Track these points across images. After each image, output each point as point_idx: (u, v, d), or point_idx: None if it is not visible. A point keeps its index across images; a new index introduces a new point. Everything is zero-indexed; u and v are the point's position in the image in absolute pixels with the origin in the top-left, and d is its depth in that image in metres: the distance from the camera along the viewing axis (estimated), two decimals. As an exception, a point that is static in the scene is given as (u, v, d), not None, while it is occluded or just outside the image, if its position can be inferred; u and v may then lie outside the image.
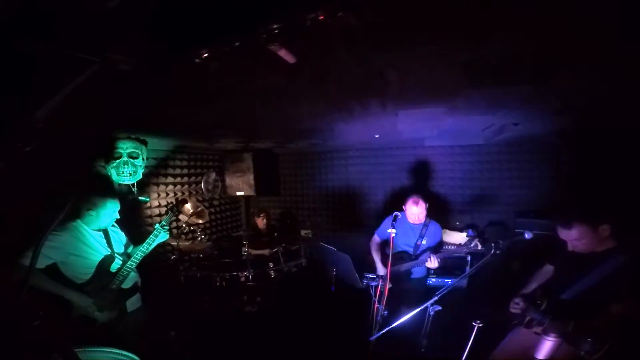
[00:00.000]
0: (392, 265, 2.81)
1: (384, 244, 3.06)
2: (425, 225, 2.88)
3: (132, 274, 2.26)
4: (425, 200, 2.83)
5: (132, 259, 2.23)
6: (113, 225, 2.36)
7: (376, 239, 3.08)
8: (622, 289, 1.66)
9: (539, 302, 1.89)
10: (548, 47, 1.40)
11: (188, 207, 3.71)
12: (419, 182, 4.69)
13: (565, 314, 1.75)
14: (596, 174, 3.41)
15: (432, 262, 2.65)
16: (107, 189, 2.86)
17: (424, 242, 2.87)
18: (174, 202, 2.53)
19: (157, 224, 2.33)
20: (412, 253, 2.90)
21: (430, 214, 2.92)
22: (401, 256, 2.91)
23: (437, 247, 2.93)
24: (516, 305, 2.01)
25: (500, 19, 1.17)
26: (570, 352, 1.71)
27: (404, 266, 2.84)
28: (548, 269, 2.15)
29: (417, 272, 2.92)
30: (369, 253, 3.05)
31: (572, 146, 3.75)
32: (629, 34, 1.24)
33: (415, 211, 2.80)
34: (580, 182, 3.64)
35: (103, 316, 2.09)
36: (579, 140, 3.64)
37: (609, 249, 1.78)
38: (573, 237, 1.82)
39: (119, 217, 2.30)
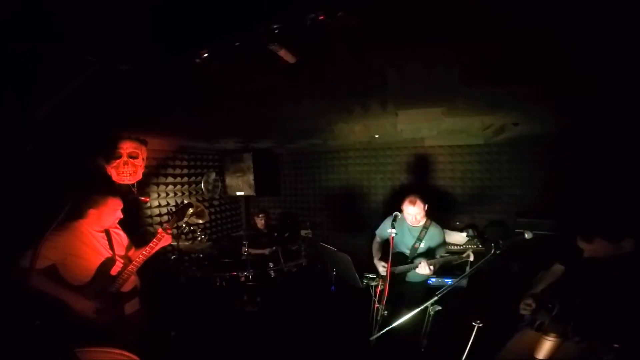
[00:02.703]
0: (395, 265, 2.76)
1: (385, 244, 2.98)
2: (425, 227, 2.75)
3: (132, 277, 2.24)
4: (424, 200, 2.70)
5: (133, 262, 2.19)
6: (115, 227, 2.33)
7: (377, 238, 3.02)
8: (638, 293, 1.62)
9: (550, 305, 1.86)
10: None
11: (188, 207, 3.71)
12: (419, 182, 4.69)
13: (577, 317, 1.72)
14: (596, 174, 3.41)
15: (422, 269, 2.50)
16: (109, 187, 2.84)
17: (421, 245, 2.74)
18: (178, 206, 2.50)
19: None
20: (408, 256, 2.79)
21: (431, 215, 2.79)
22: (397, 258, 2.79)
23: (434, 252, 2.75)
24: (527, 307, 1.98)
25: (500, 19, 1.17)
26: (570, 352, 1.71)
27: (398, 269, 2.72)
28: (557, 269, 2.11)
29: (414, 276, 2.76)
30: (371, 254, 2.98)
31: (572, 146, 3.75)
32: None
33: (412, 211, 2.66)
34: (580, 183, 3.64)
35: (101, 320, 2.04)
36: (578, 140, 3.64)
37: (627, 253, 1.73)
38: (593, 249, 1.79)
39: (122, 216, 2.27)
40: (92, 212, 2.13)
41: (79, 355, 1.41)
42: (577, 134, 3.56)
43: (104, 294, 2.09)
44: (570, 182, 3.77)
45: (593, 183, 3.47)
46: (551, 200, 3.92)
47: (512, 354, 2.02)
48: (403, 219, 2.77)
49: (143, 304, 2.39)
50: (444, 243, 2.71)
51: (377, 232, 3.04)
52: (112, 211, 2.19)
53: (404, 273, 2.75)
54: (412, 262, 2.72)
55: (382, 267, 2.72)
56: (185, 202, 2.81)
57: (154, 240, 2.24)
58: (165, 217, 3.86)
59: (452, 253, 2.60)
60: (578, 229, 1.86)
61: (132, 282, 2.25)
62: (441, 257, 2.61)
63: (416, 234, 2.77)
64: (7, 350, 1.22)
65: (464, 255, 2.46)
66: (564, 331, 1.71)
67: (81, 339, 1.75)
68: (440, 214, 4.59)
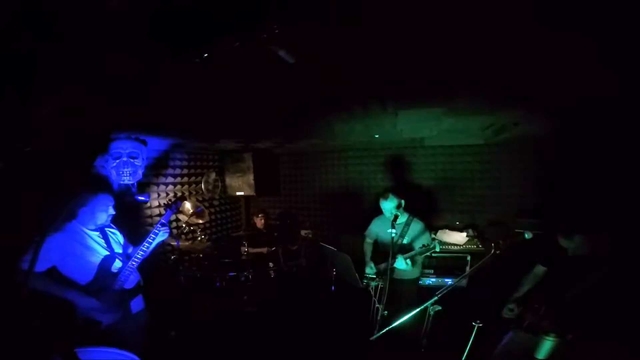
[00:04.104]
0: (377, 263, 2.90)
1: (374, 244, 3.10)
2: (407, 224, 2.84)
3: (134, 274, 2.25)
4: (398, 195, 2.77)
5: (132, 259, 2.21)
6: (110, 226, 2.34)
7: (367, 239, 3.12)
8: (620, 289, 1.66)
9: (537, 306, 1.88)
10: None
11: (188, 207, 3.72)
12: (419, 182, 4.69)
13: (565, 315, 1.75)
14: (596, 174, 3.41)
15: (399, 262, 2.60)
16: (99, 184, 2.84)
17: (404, 241, 2.82)
18: (172, 200, 2.49)
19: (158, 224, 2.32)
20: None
21: (412, 210, 2.88)
22: (384, 255, 2.82)
23: (411, 246, 2.78)
24: (510, 312, 2.00)
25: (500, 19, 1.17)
26: (569, 352, 1.72)
27: (381, 266, 2.83)
28: (539, 270, 2.15)
29: (402, 273, 2.81)
30: (362, 255, 3.05)
31: (572, 146, 3.75)
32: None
33: (385, 206, 2.76)
34: (580, 183, 3.64)
35: (108, 318, 2.06)
36: (578, 140, 3.64)
37: (607, 251, 1.79)
38: (574, 246, 1.84)
39: (114, 212, 2.26)
40: (84, 211, 2.14)
41: (79, 355, 1.41)
42: (576, 134, 3.56)
43: (107, 292, 2.10)
44: (569, 182, 3.77)
45: (590, 183, 3.47)
46: (551, 200, 3.92)
47: (506, 354, 2.03)
48: (387, 218, 2.83)
49: (147, 303, 2.40)
50: (424, 237, 2.77)
51: (366, 232, 3.13)
52: (103, 208, 2.19)
53: (393, 271, 2.77)
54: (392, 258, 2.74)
55: (369, 269, 2.83)
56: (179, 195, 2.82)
57: (151, 235, 2.25)
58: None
59: (450, 252, 2.63)
60: (558, 228, 1.90)
61: (134, 279, 2.26)
62: (418, 249, 2.65)
63: (399, 230, 2.83)
64: (7, 350, 1.22)
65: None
66: (564, 330, 1.71)
67: (81, 339, 1.76)
68: (441, 213, 4.63)
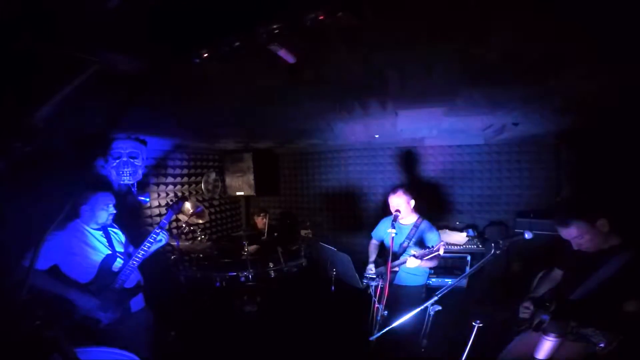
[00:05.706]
0: (381, 266, 2.75)
1: (380, 246, 2.97)
2: (415, 226, 2.68)
3: (135, 273, 2.26)
4: (408, 193, 2.65)
5: (133, 258, 2.21)
6: (112, 226, 2.35)
7: (372, 240, 3.02)
8: (630, 285, 1.63)
9: (547, 304, 1.87)
10: (548, 47, 1.40)
11: (188, 207, 3.71)
12: (419, 181, 4.69)
13: (573, 313, 1.73)
14: (595, 174, 3.41)
15: (410, 262, 2.40)
16: (99, 183, 2.85)
17: (410, 244, 2.67)
18: (173, 200, 2.49)
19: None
20: (398, 255, 2.71)
21: (429, 214, 2.78)
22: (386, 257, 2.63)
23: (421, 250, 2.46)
24: (526, 310, 1.98)
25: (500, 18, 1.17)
26: (573, 351, 1.71)
27: (380, 268, 2.69)
28: (557, 274, 2.12)
29: (405, 279, 2.69)
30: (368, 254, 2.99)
31: (572, 146, 3.75)
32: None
33: (393, 202, 2.61)
34: (579, 182, 3.64)
35: (107, 317, 2.07)
36: (579, 140, 3.64)
37: (614, 246, 1.75)
38: (573, 235, 1.80)
39: (115, 211, 2.27)
40: (85, 209, 2.15)
41: (79, 355, 1.41)
42: (576, 134, 3.56)
43: (108, 291, 2.11)
44: (569, 182, 3.77)
45: (590, 182, 3.47)
46: (551, 200, 3.92)
47: (512, 354, 2.02)
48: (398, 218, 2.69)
49: (147, 302, 2.40)
50: (431, 240, 2.59)
51: (372, 233, 3.04)
52: (104, 207, 2.19)
53: (394, 276, 2.67)
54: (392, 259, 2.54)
55: (369, 271, 2.68)
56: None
57: (152, 235, 2.26)
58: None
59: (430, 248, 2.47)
60: (554, 219, 1.88)
61: (134, 278, 2.27)
62: (422, 252, 2.42)
63: (406, 232, 2.72)
64: (7, 350, 1.22)
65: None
66: (564, 331, 1.71)
67: (81, 338, 1.76)
68: (441, 214, 4.63)
